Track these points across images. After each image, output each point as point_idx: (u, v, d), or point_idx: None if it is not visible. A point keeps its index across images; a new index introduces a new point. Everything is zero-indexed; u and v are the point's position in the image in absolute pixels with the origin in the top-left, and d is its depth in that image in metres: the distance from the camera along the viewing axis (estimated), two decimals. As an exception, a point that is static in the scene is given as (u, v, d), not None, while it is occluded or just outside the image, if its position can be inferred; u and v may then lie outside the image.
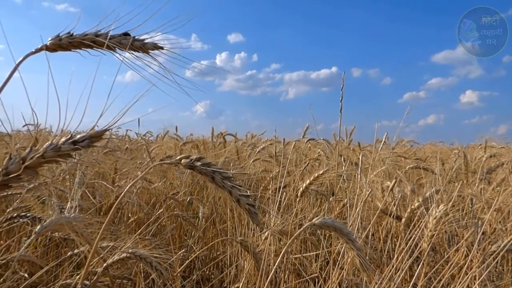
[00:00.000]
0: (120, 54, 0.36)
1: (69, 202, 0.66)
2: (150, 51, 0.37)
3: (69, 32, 0.36)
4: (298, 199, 0.96)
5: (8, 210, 0.84)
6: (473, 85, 12.33)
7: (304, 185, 0.96)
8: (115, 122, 0.32)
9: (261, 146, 1.83)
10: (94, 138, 0.32)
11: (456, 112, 11.22)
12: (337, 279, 0.75)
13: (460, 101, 11.90)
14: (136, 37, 0.37)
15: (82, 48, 0.36)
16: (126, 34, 0.36)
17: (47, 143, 0.31)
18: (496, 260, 0.75)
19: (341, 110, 0.82)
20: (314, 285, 0.94)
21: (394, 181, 0.98)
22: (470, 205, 1.00)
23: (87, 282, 0.69)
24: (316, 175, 0.95)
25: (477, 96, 12.14)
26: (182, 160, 0.40)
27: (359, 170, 0.99)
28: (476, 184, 1.26)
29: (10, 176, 0.29)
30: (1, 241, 0.99)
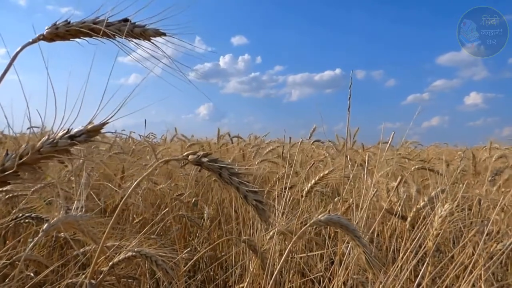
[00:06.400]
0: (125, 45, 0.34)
1: (75, 203, 0.67)
2: (152, 38, 0.36)
3: (66, 20, 0.34)
4: (302, 199, 0.96)
5: (14, 211, 0.85)
6: (478, 87, 12.29)
7: (309, 185, 0.95)
8: (112, 116, 0.31)
9: (269, 148, 1.84)
10: (91, 132, 0.31)
11: (461, 114, 11.17)
12: (342, 278, 0.75)
13: (464, 103, 11.85)
14: (136, 23, 0.35)
15: (81, 37, 0.34)
16: (125, 20, 0.35)
17: (43, 138, 0.30)
18: (500, 260, 0.75)
19: (349, 109, 0.81)
20: (319, 284, 0.94)
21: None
22: (478, 206, 1.00)
23: (93, 281, 0.69)
24: (321, 175, 0.94)
25: (481, 98, 12.09)
26: (189, 157, 0.40)
27: (365, 170, 0.99)
28: (484, 185, 1.26)
29: (6, 173, 0.29)
30: (8, 241, 1.00)
